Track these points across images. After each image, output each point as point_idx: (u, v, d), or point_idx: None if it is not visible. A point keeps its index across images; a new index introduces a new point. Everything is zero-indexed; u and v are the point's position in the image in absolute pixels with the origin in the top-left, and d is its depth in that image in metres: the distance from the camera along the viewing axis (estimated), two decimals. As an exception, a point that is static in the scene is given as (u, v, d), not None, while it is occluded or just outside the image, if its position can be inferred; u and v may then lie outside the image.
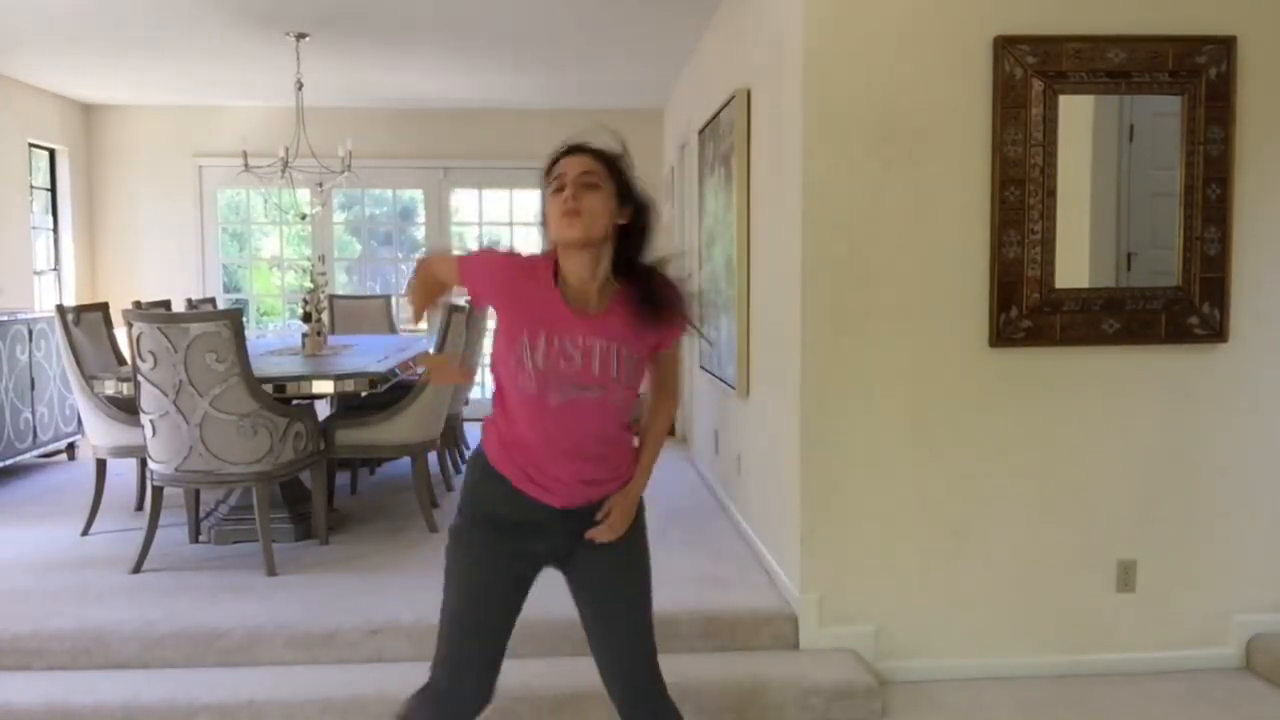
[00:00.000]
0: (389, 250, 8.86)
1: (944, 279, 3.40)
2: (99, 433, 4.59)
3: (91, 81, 7.15)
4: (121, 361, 5.01)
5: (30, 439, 6.04)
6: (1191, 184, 3.39)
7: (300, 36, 5.65)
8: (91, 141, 8.04)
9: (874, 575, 3.47)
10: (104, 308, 5.23)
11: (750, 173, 4.32)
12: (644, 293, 2.09)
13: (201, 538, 4.44)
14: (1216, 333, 3.44)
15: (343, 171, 6.18)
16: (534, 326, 2.04)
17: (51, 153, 7.71)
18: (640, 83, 7.10)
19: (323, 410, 5.14)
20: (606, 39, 5.85)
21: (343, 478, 5.45)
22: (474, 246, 7.30)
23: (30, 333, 6.08)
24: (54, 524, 4.80)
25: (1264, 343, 3.50)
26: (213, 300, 7.45)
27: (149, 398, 3.93)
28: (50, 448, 6.33)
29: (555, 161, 2.08)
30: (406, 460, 5.00)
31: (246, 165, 6.10)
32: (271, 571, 3.96)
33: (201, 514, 4.52)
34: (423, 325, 2.71)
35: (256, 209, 8.48)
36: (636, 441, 2.23)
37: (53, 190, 7.77)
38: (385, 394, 4.61)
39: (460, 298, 3.97)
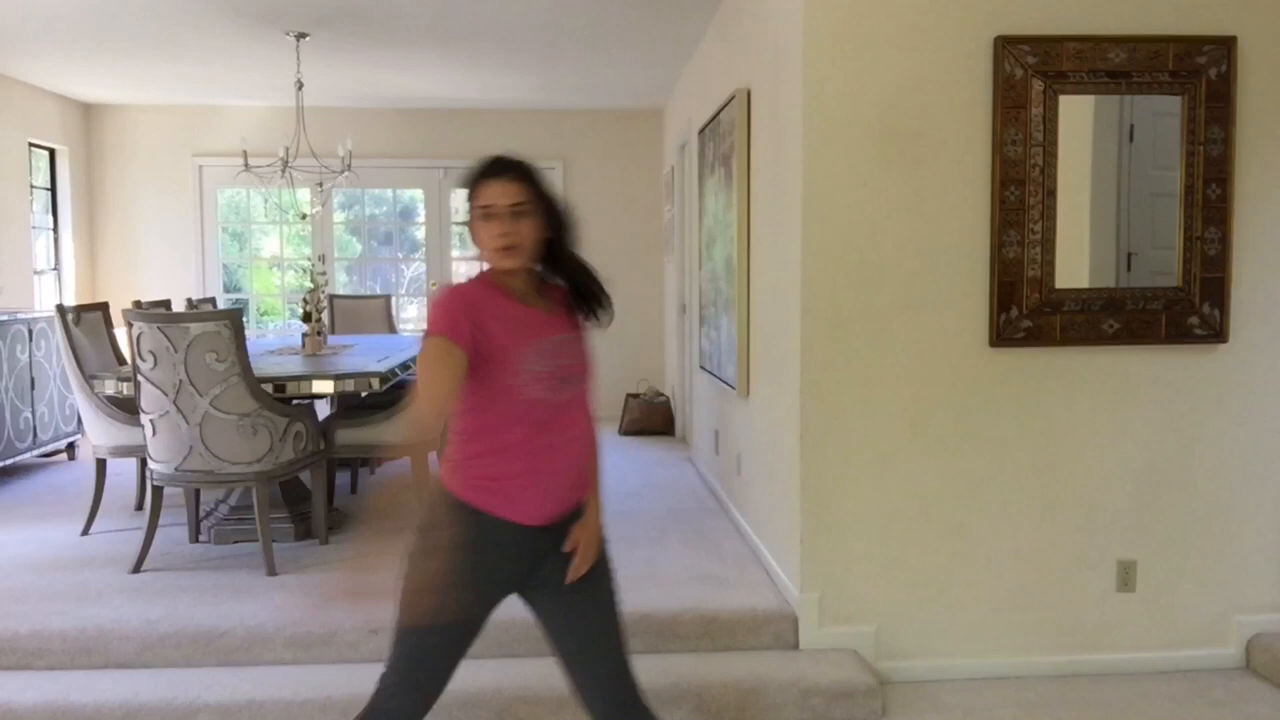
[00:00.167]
0: (389, 250, 8.86)
1: (944, 279, 3.40)
2: (99, 432, 4.59)
3: (91, 81, 7.14)
4: (121, 361, 5.02)
5: (30, 439, 6.03)
6: (1191, 184, 3.39)
7: (300, 36, 5.65)
8: (91, 141, 8.03)
9: (874, 575, 3.47)
10: (104, 307, 5.24)
11: (750, 173, 4.31)
12: (572, 287, 2.16)
13: (201, 537, 4.44)
14: (1216, 333, 3.44)
15: (343, 171, 6.18)
16: (521, 336, 2.05)
17: (51, 152, 7.70)
18: (640, 83, 7.10)
19: (323, 410, 5.15)
20: (606, 39, 5.85)
21: (343, 477, 5.46)
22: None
23: (30, 332, 6.08)
24: (54, 524, 4.80)
25: (1264, 343, 3.50)
26: (213, 300, 7.45)
27: (149, 397, 3.93)
28: (50, 447, 6.33)
29: (478, 180, 2.05)
30: (406, 460, 4.98)
31: (246, 165, 6.11)
32: (271, 571, 3.96)
33: (201, 514, 4.51)
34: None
35: (256, 209, 8.48)
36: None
37: (53, 190, 7.76)
38: (385, 394, 4.60)
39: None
